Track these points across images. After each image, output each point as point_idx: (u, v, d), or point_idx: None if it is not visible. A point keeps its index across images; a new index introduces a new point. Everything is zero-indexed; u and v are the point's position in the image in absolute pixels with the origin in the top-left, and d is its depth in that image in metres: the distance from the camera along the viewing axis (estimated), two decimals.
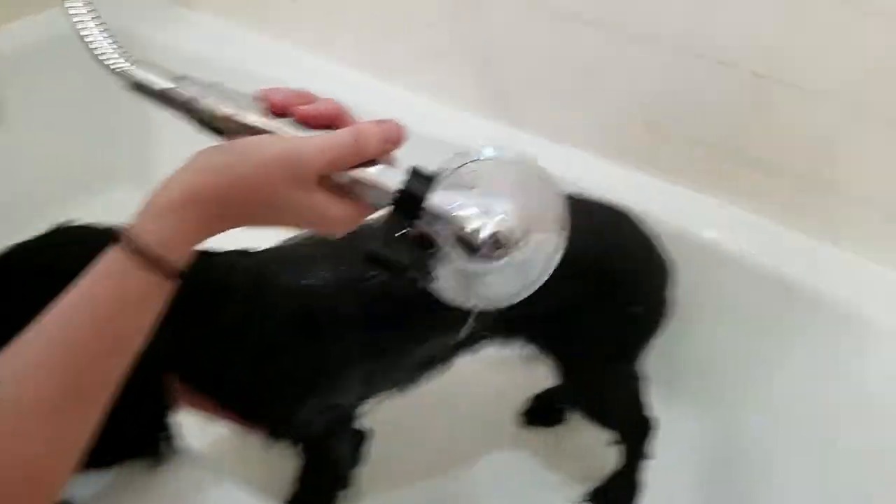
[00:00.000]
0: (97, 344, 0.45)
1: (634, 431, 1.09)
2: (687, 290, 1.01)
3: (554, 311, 0.91)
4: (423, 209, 0.49)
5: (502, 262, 0.49)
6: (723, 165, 1.14)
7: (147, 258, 0.45)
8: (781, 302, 1.11)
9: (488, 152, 0.51)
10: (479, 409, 1.26)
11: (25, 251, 0.65)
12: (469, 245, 0.49)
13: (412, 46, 1.30)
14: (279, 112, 0.51)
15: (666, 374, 1.14)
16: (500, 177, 0.51)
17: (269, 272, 0.77)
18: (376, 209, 0.51)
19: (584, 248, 0.90)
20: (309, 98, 0.51)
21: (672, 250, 0.98)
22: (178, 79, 0.53)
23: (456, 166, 0.51)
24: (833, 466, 1.02)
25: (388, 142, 0.50)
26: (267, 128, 0.50)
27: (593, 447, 1.22)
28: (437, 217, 0.49)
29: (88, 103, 1.37)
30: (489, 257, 0.49)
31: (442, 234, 0.50)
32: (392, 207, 0.50)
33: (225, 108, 0.51)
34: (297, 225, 0.52)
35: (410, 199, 0.49)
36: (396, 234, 0.51)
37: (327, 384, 0.82)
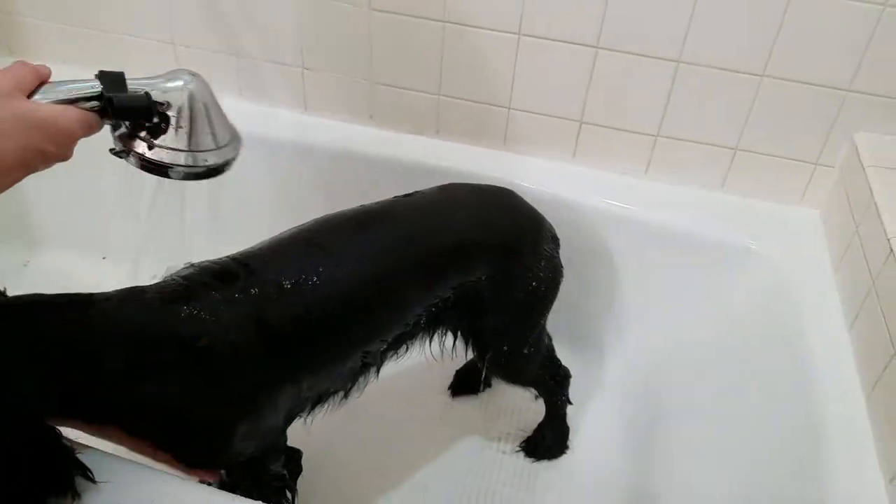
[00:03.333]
0: None
1: (553, 384, 1.16)
2: None
3: (470, 292, 0.94)
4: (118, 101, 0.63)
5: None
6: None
7: None
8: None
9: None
10: (408, 393, 1.30)
11: None
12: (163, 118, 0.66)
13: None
14: None
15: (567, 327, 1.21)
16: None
17: (150, 307, 0.72)
18: (92, 110, 0.62)
19: (486, 230, 0.95)
20: None
21: None
22: None
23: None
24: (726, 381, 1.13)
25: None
26: None
27: (519, 404, 1.29)
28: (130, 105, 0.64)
29: None
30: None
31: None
32: (99, 108, 0.62)
33: None
34: (47, 135, 0.59)
35: (109, 99, 0.62)
36: (113, 127, 0.67)
37: (247, 413, 0.79)
